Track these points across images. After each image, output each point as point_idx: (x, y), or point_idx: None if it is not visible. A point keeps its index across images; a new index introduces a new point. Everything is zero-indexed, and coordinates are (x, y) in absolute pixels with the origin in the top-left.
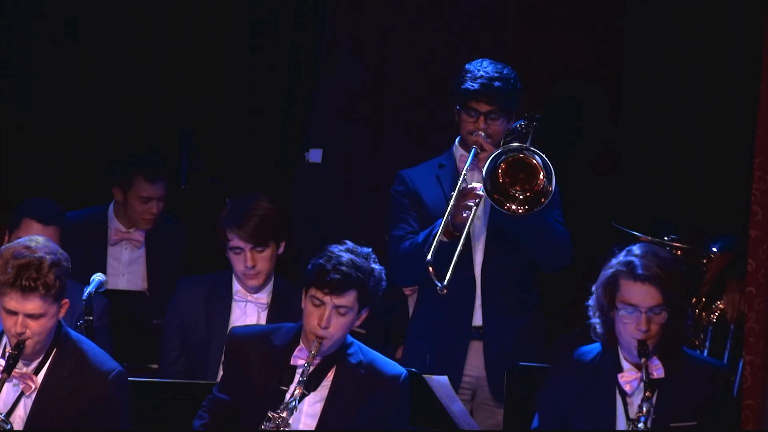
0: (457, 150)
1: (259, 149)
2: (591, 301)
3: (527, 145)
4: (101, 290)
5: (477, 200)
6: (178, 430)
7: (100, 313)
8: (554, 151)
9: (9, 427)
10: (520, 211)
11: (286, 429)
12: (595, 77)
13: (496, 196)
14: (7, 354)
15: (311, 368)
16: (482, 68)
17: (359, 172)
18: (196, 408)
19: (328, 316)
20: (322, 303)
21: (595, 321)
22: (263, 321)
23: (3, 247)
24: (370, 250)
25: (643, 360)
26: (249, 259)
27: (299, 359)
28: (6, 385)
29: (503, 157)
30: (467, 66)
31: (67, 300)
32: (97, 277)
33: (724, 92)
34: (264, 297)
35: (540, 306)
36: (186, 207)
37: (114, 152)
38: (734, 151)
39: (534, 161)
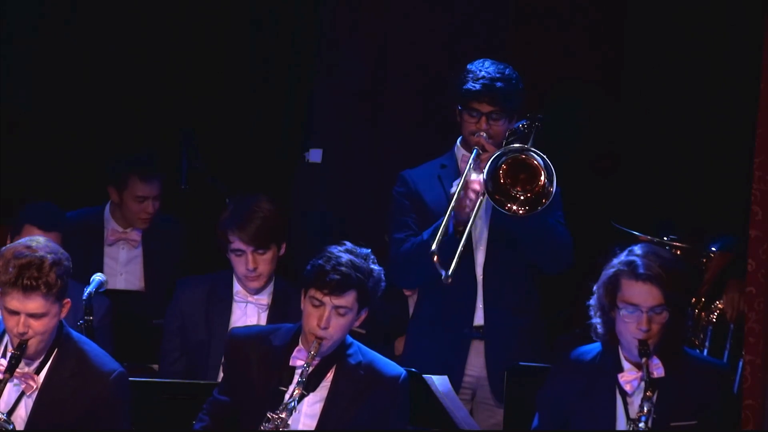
0: (459, 150)
1: (259, 149)
2: (592, 301)
3: (529, 145)
4: (101, 290)
5: (480, 192)
6: (178, 431)
7: (102, 313)
8: (554, 151)
9: (11, 427)
10: (521, 211)
11: (286, 429)
12: (595, 77)
13: (497, 197)
14: (9, 354)
15: (310, 369)
16: (484, 68)
17: (359, 172)
18: (196, 408)
19: (328, 317)
20: (322, 303)
21: (596, 321)
22: (263, 322)
23: (4, 247)
24: (369, 250)
25: (643, 360)
26: (250, 262)
27: (298, 360)
28: (7, 384)
29: (504, 158)
30: (469, 66)
31: (68, 300)
32: (98, 277)
33: (724, 92)
34: (264, 298)
35: (540, 306)
36: (186, 207)
37: (114, 152)
38: (734, 151)
39: (535, 162)
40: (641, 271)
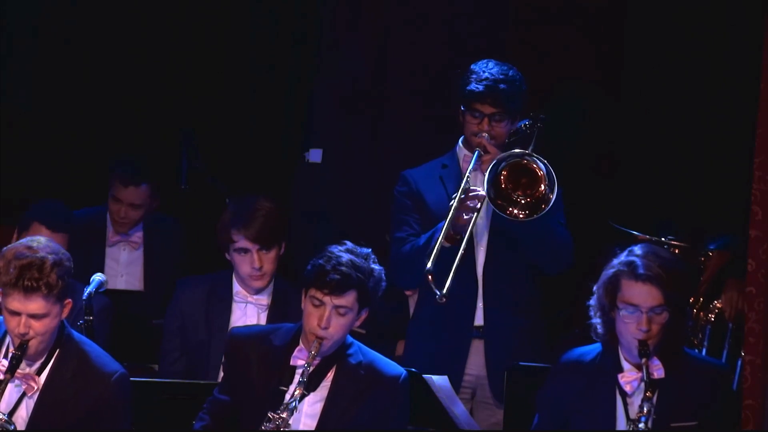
0: (461, 150)
1: (259, 149)
2: (592, 301)
3: (531, 146)
4: (101, 290)
5: (479, 203)
6: (178, 431)
7: (101, 313)
8: (554, 151)
9: (12, 428)
10: (521, 215)
11: (286, 429)
12: (595, 77)
13: (499, 202)
14: (10, 355)
15: (311, 369)
16: (487, 70)
17: (359, 172)
18: (196, 408)
19: (328, 317)
20: (322, 303)
21: (596, 321)
22: (263, 322)
23: (5, 248)
24: (370, 250)
25: (643, 360)
26: (256, 260)
27: (299, 359)
28: (8, 385)
29: (504, 164)
30: (472, 66)
31: (70, 300)
32: (98, 277)
33: (724, 92)
34: (264, 298)
35: (541, 306)
36: (186, 207)
37: (114, 152)
38: (734, 151)
39: (535, 167)
40: (641, 271)
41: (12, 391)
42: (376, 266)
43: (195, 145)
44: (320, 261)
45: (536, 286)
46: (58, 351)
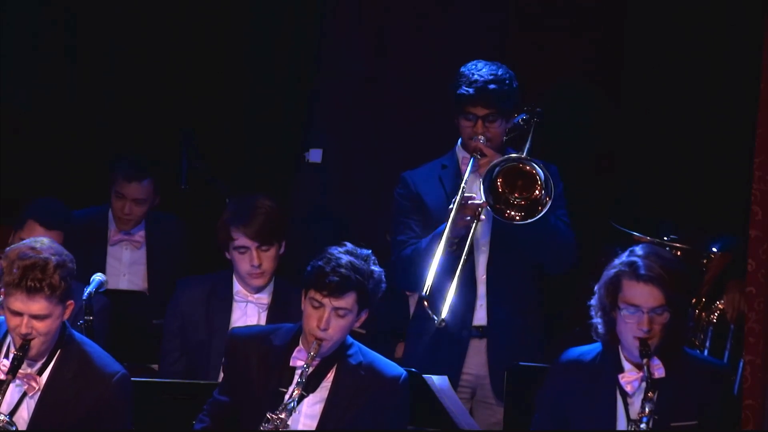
0: (460, 151)
1: (259, 149)
2: (593, 301)
3: (527, 146)
4: (101, 290)
5: (479, 210)
6: (178, 431)
7: (101, 313)
8: (554, 151)
9: (13, 428)
10: (517, 218)
11: (286, 430)
12: (595, 77)
13: (497, 206)
14: (11, 355)
15: (310, 369)
16: (477, 71)
17: (359, 172)
18: (196, 408)
19: (327, 318)
20: (321, 305)
21: (597, 321)
22: (263, 321)
23: (8, 248)
24: (370, 251)
25: (644, 360)
26: (255, 258)
27: (298, 360)
28: (10, 385)
29: (498, 169)
30: (462, 69)
31: (72, 301)
32: (97, 277)
33: (724, 92)
34: (265, 297)
35: (542, 305)
36: (186, 207)
37: (114, 152)
38: (734, 151)
39: (530, 169)
40: (643, 272)
41: (13, 391)
42: (375, 268)
43: (195, 145)
44: (320, 262)
45: (537, 287)
46: (59, 351)
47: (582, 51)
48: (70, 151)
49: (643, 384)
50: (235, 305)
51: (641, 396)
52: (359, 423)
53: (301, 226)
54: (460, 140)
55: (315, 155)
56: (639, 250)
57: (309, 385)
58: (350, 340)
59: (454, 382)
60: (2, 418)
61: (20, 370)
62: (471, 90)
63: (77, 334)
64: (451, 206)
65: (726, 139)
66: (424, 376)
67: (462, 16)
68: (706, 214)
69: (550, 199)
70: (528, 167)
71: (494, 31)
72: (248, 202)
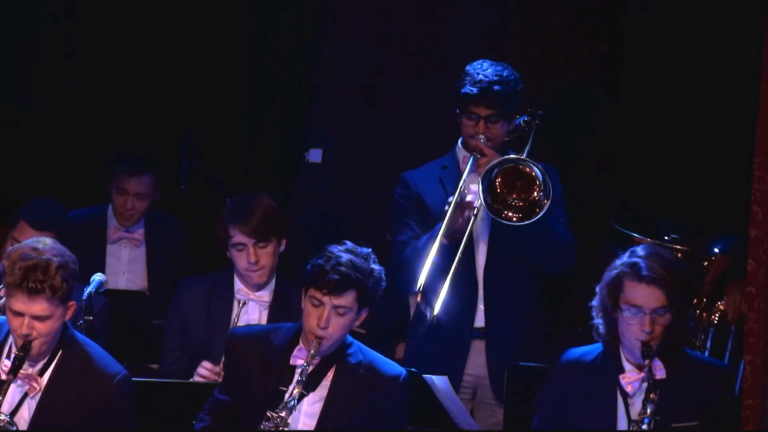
0: (460, 151)
1: (259, 149)
2: (594, 302)
3: (527, 147)
4: (101, 290)
5: (476, 209)
6: (179, 431)
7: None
8: (554, 151)
9: (15, 428)
10: (515, 219)
11: (285, 429)
12: (595, 77)
13: (495, 206)
14: (13, 355)
15: (310, 368)
16: (482, 71)
17: (359, 172)
18: (196, 408)
19: (327, 317)
20: (321, 303)
21: (598, 321)
22: (264, 320)
23: (11, 248)
24: (370, 250)
25: (646, 361)
26: (252, 255)
27: (298, 359)
28: (11, 386)
29: (497, 170)
30: (467, 68)
31: (74, 302)
32: (97, 277)
33: (724, 92)
34: (266, 295)
35: (542, 306)
36: (186, 207)
37: (114, 152)
38: (734, 151)
39: (529, 170)
40: (645, 273)
41: (14, 391)
42: (375, 266)
43: (195, 145)
44: (320, 261)
45: (537, 287)
46: (60, 352)
47: (582, 51)
48: (70, 151)
49: (644, 384)
50: (236, 303)
51: (642, 396)
52: (359, 422)
53: (301, 226)
54: (460, 140)
55: (315, 155)
56: (640, 250)
57: (309, 384)
58: (350, 339)
59: (456, 382)
60: (3, 419)
61: (21, 371)
62: (475, 90)
63: (79, 335)
64: (450, 199)
65: (726, 139)
66: (424, 376)
67: (462, 16)
68: (706, 214)
69: (548, 200)
70: (527, 168)
71: (494, 31)
72: (247, 200)
